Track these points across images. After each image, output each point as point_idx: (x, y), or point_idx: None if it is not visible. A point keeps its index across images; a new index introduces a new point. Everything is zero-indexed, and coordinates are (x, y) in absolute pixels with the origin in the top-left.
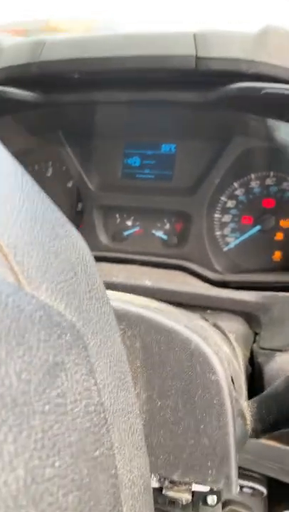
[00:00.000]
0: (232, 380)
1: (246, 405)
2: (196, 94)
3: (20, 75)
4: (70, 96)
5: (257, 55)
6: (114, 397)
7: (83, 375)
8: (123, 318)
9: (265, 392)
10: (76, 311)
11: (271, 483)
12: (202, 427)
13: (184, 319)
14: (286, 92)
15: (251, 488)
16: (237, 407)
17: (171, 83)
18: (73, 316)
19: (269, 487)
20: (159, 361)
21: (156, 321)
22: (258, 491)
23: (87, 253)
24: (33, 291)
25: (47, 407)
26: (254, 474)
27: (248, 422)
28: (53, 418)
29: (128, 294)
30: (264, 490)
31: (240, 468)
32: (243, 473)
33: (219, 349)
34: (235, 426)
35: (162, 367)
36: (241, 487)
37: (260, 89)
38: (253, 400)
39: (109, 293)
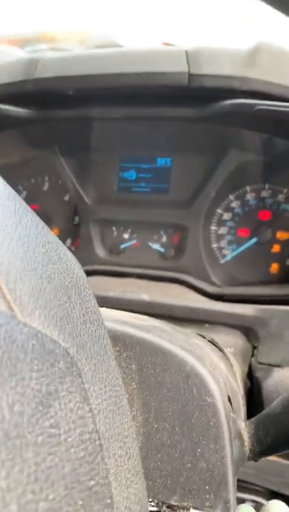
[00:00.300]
0: (229, 399)
1: (244, 426)
2: (190, 110)
3: (15, 92)
4: (65, 112)
5: (249, 72)
6: (109, 422)
7: (77, 402)
8: (118, 339)
9: (262, 413)
10: (70, 337)
11: (273, 496)
12: (199, 450)
13: (180, 338)
14: (279, 109)
15: (253, 501)
16: (234, 429)
17: (164, 99)
18: (67, 342)
19: (272, 500)
20: (155, 383)
21: (151, 342)
22: (260, 504)
23: (81, 275)
24: (25, 319)
25: (40, 439)
26: (256, 487)
27: (246, 444)
28: (47, 450)
29: (123, 312)
30: (266, 503)
31: (241, 481)
32: (245, 486)
33: (216, 368)
34: (232, 448)
35: (158, 389)
36: (243, 500)
37: (254, 105)
38: (250, 420)
39: (104, 311)
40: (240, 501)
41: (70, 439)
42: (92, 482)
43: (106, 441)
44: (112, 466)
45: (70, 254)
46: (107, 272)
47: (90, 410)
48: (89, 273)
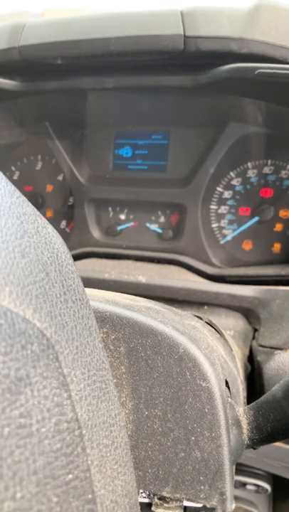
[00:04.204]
0: (227, 384)
1: (242, 412)
2: (186, 78)
3: (0, 62)
4: (54, 83)
5: (248, 32)
6: (93, 409)
7: (53, 388)
8: (106, 320)
9: (262, 398)
10: (47, 316)
11: (275, 480)
12: (193, 438)
13: (174, 319)
14: (281, 72)
15: (255, 485)
16: (232, 415)
17: (159, 66)
18: (43, 322)
19: (273, 484)
20: (146, 367)
21: (141, 322)
22: (263, 488)
23: (63, 251)
24: None
25: (6, 430)
26: (258, 471)
27: (245, 431)
28: (14, 442)
29: (116, 293)
30: (268, 487)
31: (243, 465)
32: (247, 470)
33: (212, 351)
34: (229, 436)
35: (149, 373)
36: (245, 484)
37: (254, 69)
38: (249, 406)
39: (94, 292)
40: (242, 485)
41: (43, 430)
42: (70, 476)
43: (89, 430)
44: (95, 458)
45: (50, 228)
46: (103, 254)
47: (69, 397)
48: (85, 255)
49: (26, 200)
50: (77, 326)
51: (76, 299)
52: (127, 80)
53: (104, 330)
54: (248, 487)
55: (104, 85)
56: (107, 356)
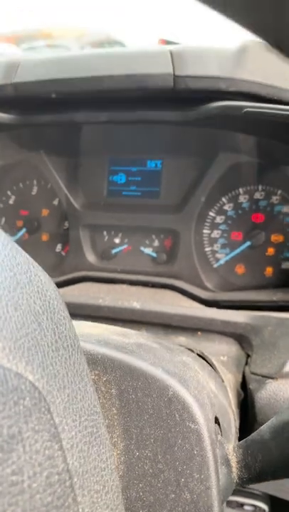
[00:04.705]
0: (217, 421)
1: (232, 450)
2: (176, 114)
3: None
4: (48, 117)
5: (237, 72)
6: (84, 455)
7: (45, 441)
8: (97, 362)
9: (250, 437)
10: (39, 368)
11: (273, 500)
12: (183, 480)
13: (165, 357)
14: (267, 111)
15: (253, 505)
16: (221, 454)
17: (150, 102)
18: (35, 373)
19: (271, 504)
20: (137, 408)
21: (132, 365)
22: (260, 508)
23: (54, 297)
24: None
25: None
26: (255, 492)
27: (234, 470)
28: (6, 501)
29: (108, 327)
30: (266, 507)
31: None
32: (245, 490)
33: (202, 390)
34: (218, 477)
35: (140, 414)
36: (243, 505)
37: (241, 108)
38: (238, 444)
39: (86, 328)
40: (239, 505)
41: (35, 485)
42: None
43: (80, 477)
44: (86, 505)
45: (42, 275)
46: (98, 278)
47: (61, 448)
48: (80, 279)
49: (19, 249)
50: (68, 373)
51: (68, 345)
52: (119, 114)
53: (96, 372)
54: (246, 507)
55: (97, 119)
56: (99, 398)
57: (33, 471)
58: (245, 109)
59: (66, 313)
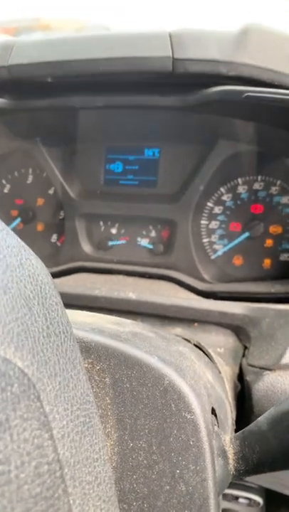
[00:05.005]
0: (214, 412)
1: (229, 442)
2: (175, 99)
3: None
4: (44, 101)
5: (237, 56)
6: (76, 446)
7: (34, 430)
8: (91, 350)
9: (248, 428)
10: (29, 354)
11: (268, 493)
12: (178, 471)
13: (161, 346)
14: (268, 96)
15: (248, 498)
16: (218, 445)
17: (148, 86)
18: (25, 360)
19: (266, 497)
20: (131, 398)
21: (127, 353)
22: (255, 501)
23: (47, 282)
24: None
25: None
26: (250, 484)
27: (231, 461)
28: None
29: (103, 316)
30: (261, 500)
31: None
32: (240, 483)
33: (199, 379)
34: (214, 469)
35: (134, 404)
36: (237, 497)
37: (241, 92)
38: (235, 435)
39: (80, 316)
40: (234, 498)
41: (22, 475)
42: None
43: (71, 468)
44: (78, 496)
45: (34, 259)
46: (94, 269)
47: (51, 437)
48: (75, 270)
49: (11, 231)
50: (60, 361)
51: (60, 331)
52: (116, 99)
53: (90, 360)
54: (241, 500)
55: (94, 104)
56: (92, 387)
57: (21, 460)
58: (246, 94)
59: (58, 299)
